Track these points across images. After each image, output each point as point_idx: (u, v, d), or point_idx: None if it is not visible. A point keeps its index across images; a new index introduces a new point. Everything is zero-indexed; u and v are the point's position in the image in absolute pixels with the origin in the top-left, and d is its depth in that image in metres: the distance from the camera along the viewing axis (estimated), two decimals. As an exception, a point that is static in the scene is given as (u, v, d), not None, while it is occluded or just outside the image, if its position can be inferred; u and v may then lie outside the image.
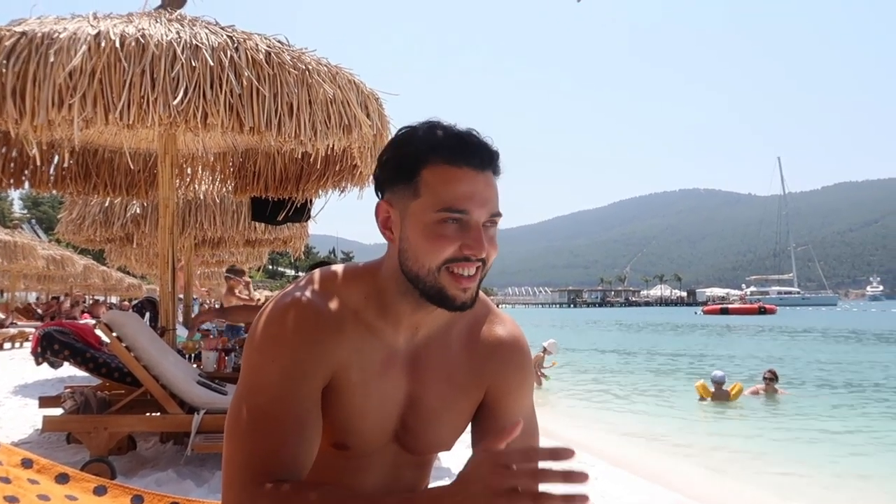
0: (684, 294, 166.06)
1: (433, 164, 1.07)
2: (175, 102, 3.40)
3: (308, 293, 1.13)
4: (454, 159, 1.07)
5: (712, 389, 9.79)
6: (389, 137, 4.99)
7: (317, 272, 1.20)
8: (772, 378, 10.42)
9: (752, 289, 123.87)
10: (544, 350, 11.71)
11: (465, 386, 1.22)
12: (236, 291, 8.92)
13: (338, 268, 1.20)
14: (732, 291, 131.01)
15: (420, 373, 1.18)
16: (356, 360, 1.12)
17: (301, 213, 6.16)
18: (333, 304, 1.13)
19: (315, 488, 1.00)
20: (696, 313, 69.79)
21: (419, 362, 1.19)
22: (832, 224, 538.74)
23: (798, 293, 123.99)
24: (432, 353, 1.20)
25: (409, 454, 1.23)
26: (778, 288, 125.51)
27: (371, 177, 1.14)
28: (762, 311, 68.55)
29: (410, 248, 1.09)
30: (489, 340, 1.24)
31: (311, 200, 6.07)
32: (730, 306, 76.83)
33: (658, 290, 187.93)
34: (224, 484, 1.06)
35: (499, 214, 1.10)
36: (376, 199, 1.16)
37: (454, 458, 4.45)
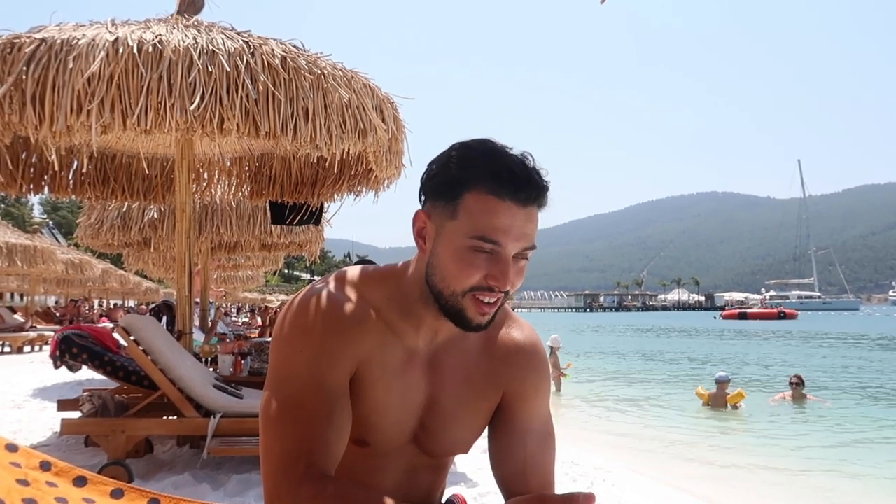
0: (702, 298, 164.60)
1: (477, 191, 1.06)
2: (192, 108, 3.42)
3: (332, 289, 1.16)
4: (499, 191, 1.05)
5: (713, 390, 9.59)
6: (404, 141, 5.00)
7: (337, 272, 1.22)
8: (798, 383, 10.11)
9: (772, 293, 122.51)
10: (552, 350, 11.65)
11: (482, 389, 1.22)
12: None
13: (357, 269, 1.22)
14: (752, 296, 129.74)
15: (439, 375, 1.19)
16: (378, 356, 1.14)
17: (316, 216, 6.20)
18: (357, 301, 1.15)
19: (356, 486, 1.02)
20: (714, 318, 68.99)
21: (438, 365, 1.20)
22: (854, 227, 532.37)
23: (819, 298, 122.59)
24: (451, 356, 1.21)
25: (426, 456, 1.23)
26: (798, 292, 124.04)
27: (419, 187, 1.15)
28: (782, 316, 67.35)
29: (439, 267, 1.10)
30: (507, 345, 1.25)
31: (323, 204, 6.10)
32: (748, 311, 75.79)
33: (675, 295, 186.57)
34: (264, 475, 1.07)
35: (533, 248, 1.09)
36: (417, 205, 1.16)
37: (470, 462, 4.44)
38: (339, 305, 1.13)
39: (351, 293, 1.16)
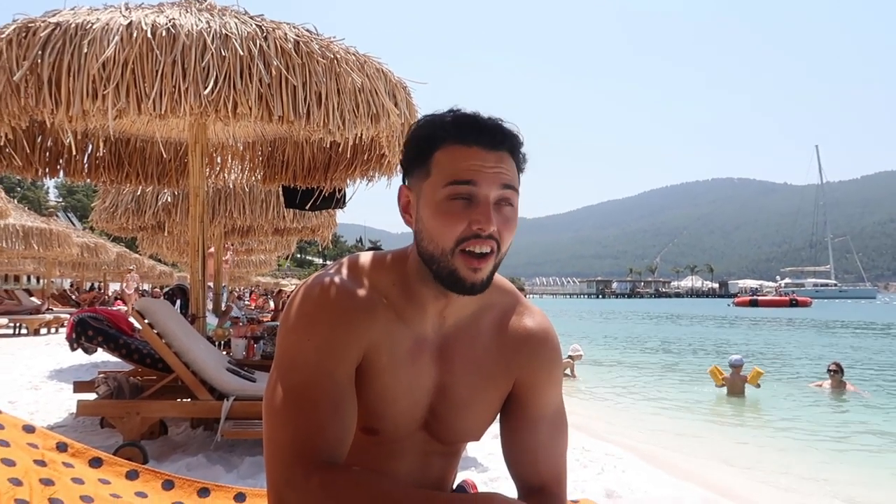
0: (716, 286, 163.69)
1: (444, 146, 1.08)
2: (206, 92, 3.42)
3: (340, 276, 1.15)
4: (464, 138, 1.07)
5: (727, 374, 9.31)
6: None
7: (346, 259, 1.22)
8: (837, 370, 9.63)
9: (787, 281, 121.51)
10: (570, 357, 11.62)
11: (493, 376, 1.21)
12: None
13: (367, 255, 1.21)
14: (766, 283, 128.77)
15: (449, 362, 1.18)
16: (386, 343, 1.13)
17: (330, 201, 6.20)
18: (364, 288, 1.14)
19: (367, 474, 1.02)
20: (728, 305, 68.50)
21: (448, 351, 1.19)
22: (872, 214, 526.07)
23: (835, 286, 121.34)
24: (461, 342, 1.19)
25: (438, 443, 1.23)
26: (814, 280, 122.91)
27: (398, 165, 1.23)
28: (794, 304, 66.23)
29: (425, 230, 1.10)
30: (519, 332, 1.23)
31: (338, 189, 6.10)
32: (759, 298, 74.88)
33: (689, 282, 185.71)
34: (267, 463, 1.07)
35: (511, 188, 1.08)
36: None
37: (480, 448, 4.45)
38: (346, 293, 1.12)
39: (359, 280, 1.15)
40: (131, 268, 21.00)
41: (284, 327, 1.13)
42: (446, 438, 1.23)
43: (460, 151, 1.07)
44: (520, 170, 1.13)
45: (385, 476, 1.05)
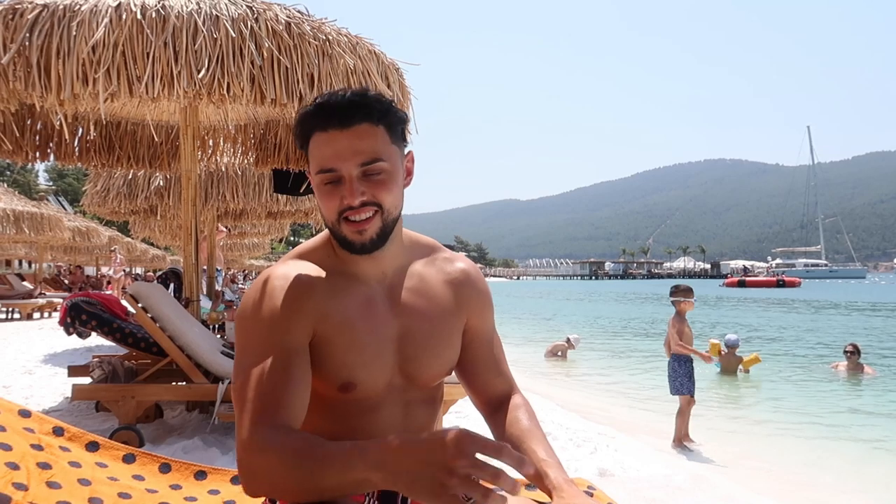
0: (708, 266, 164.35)
1: (312, 135, 1.21)
2: (200, 76, 3.40)
3: (280, 267, 1.29)
4: (321, 125, 1.19)
5: (725, 351, 9.36)
6: (410, 108, 4.95)
7: (294, 250, 1.38)
8: (853, 352, 9.55)
9: (778, 261, 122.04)
10: (568, 341, 11.70)
11: (448, 313, 1.36)
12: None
13: (306, 241, 1.38)
14: (758, 264, 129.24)
15: (404, 306, 1.32)
16: (335, 306, 1.25)
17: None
18: (303, 269, 1.28)
19: (315, 438, 1.08)
20: (720, 285, 68.67)
21: (399, 297, 1.32)
22: (862, 195, 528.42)
23: (825, 266, 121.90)
24: (409, 289, 1.34)
25: (417, 389, 1.33)
26: (805, 260, 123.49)
27: None
28: (781, 284, 65.85)
29: (320, 209, 1.27)
30: (456, 272, 1.40)
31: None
32: (747, 279, 74.75)
33: (681, 263, 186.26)
34: (236, 435, 1.14)
35: (372, 161, 1.19)
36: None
37: (473, 426, 4.50)
38: (286, 276, 1.25)
39: (296, 263, 1.30)
40: (113, 248, 20.75)
41: (240, 317, 1.25)
42: (422, 377, 1.32)
43: (321, 138, 1.19)
44: (393, 130, 1.23)
45: (329, 441, 1.08)
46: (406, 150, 1.29)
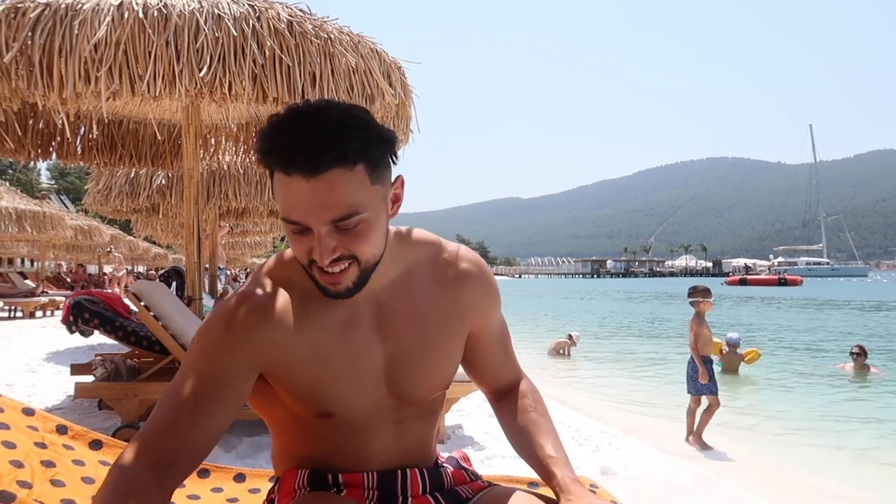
0: (710, 265, 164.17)
1: (275, 170, 1.02)
2: (202, 74, 3.40)
3: (254, 284, 1.17)
4: (284, 166, 0.99)
5: (726, 350, 9.44)
6: (412, 106, 4.94)
7: (268, 260, 1.23)
8: (860, 353, 9.56)
9: (780, 259, 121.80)
10: (569, 338, 11.72)
11: (445, 323, 1.22)
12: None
13: (284, 252, 1.22)
14: (760, 262, 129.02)
15: (391, 325, 1.18)
16: (303, 336, 1.13)
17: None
18: (271, 294, 1.14)
19: (136, 484, 0.99)
20: (721, 284, 68.57)
21: (387, 315, 1.18)
22: (865, 193, 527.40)
23: (827, 264, 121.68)
24: (398, 301, 1.19)
25: (411, 406, 1.23)
26: (807, 259, 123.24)
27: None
28: (782, 283, 65.43)
29: None
30: (456, 272, 1.24)
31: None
32: (748, 277, 74.43)
33: (683, 261, 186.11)
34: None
35: (346, 217, 1.01)
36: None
37: (478, 428, 4.50)
38: (246, 299, 1.12)
39: (267, 281, 1.16)
40: (109, 249, 20.73)
41: (196, 331, 1.15)
42: (414, 398, 1.22)
43: (284, 183, 1.00)
44: (374, 165, 1.02)
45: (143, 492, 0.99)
46: (394, 177, 1.10)
